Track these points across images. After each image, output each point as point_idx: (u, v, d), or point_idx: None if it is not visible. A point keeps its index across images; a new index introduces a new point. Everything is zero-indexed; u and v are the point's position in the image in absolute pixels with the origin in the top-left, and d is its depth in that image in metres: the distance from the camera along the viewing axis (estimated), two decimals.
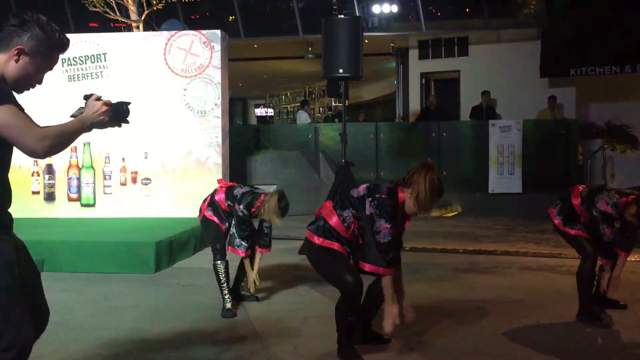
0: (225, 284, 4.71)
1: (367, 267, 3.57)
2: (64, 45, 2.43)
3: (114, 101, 2.46)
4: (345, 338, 3.64)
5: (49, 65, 2.41)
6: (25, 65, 2.33)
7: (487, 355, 3.78)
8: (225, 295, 4.69)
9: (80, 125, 2.37)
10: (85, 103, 2.42)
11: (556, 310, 4.71)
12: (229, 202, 4.74)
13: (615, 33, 12.59)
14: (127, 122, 2.49)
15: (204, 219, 4.88)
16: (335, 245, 3.63)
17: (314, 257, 3.76)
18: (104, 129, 2.46)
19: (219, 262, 4.75)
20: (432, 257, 6.95)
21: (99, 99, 2.41)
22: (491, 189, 11.28)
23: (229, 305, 4.64)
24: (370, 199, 3.55)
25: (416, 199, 3.49)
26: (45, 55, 2.36)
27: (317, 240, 3.67)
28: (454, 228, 9.18)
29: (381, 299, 3.67)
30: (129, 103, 2.49)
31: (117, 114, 2.44)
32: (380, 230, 3.48)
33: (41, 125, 2.27)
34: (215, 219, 4.80)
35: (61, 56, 2.51)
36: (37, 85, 2.42)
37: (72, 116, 2.41)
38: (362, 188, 3.65)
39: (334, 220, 3.65)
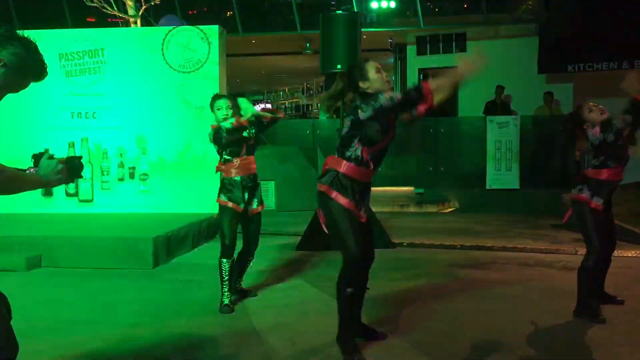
0: (226, 282, 4.71)
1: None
2: (41, 74, 2.35)
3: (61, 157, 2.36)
4: (346, 324, 3.61)
5: (19, 87, 2.33)
6: None
7: (483, 350, 3.79)
8: (225, 291, 4.69)
9: (38, 183, 2.31)
10: (35, 162, 2.32)
11: (553, 305, 4.72)
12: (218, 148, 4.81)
13: (613, 29, 12.59)
14: (81, 176, 2.42)
15: (219, 208, 4.80)
16: (345, 202, 3.59)
17: (327, 211, 3.68)
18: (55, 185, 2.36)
19: (224, 260, 4.71)
20: (429, 253, 6.97)
21: (51, 157, 2.32)
22: (489, 184, 11.29)
23: (227, 301, 4.65)
24: (354, 112, 3.62)
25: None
26: (21, 76, 2.29)
27: (332, 193, 3.62)
28: (451, 224, 9.19)
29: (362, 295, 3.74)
30: (81, 157, 2.43)
31: (72, 170, 2.36)
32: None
33: None
34: (230, 204, 4.71)
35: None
36: None
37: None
38: (346, 124, 3.71)
39: (344, 167, 3.62)
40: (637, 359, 3.70)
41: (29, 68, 2.29)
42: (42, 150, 2.39)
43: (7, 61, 2.23)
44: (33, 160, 2.33)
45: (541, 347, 3.84)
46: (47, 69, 2.37)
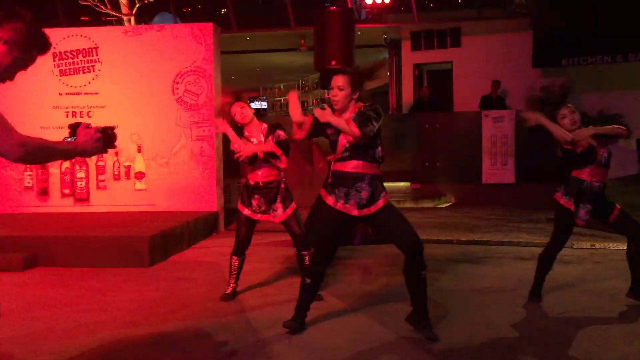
0: (232, 275, 4.90)
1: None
2: (44, 46, 2.33)
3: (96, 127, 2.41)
4: (299, 304, 3.97)
5: (25, 63, 2.31)
6: (0, 54, 2.24)
7: (480, 344, 3.80)
8: (231, 282, 4.90)
9: (72, 151, 2.33)
10: (72, 132, 2.36)
11: (548, 299, 4.74)
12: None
13: (607, 23, 12.61)
14: (114, 146, 2.46)
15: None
16: (326, 197, 3.88)
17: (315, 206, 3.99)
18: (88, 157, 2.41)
19: (233, 256, 4.90)
20: (425, 247, 6.87)
21: (88, 126, 2.35)
22: (484, 179, 11.31)
23: (228, 290, 4.87)
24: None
25: None
26: (23, 50, 2.27)
27: (321, 191, 3.94)
28: (447, 219, 9.21)
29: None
30: (114, 127, 2.46)
31: (106, 140, 2.40)
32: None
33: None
34: (246, 210, 4.82)
35: (52, 50, 2.42)
36: (7, 81, 2.31)
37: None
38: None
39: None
40: (630, 351, 3.72)
41: (29, 40, 2.27)
42: (78, 121, 2.45)
43: (7, 37, 2.23)
44: (69, 130, 2.37)
45: (537, 341, 3.86)
46: (49, 41, 2.34)
